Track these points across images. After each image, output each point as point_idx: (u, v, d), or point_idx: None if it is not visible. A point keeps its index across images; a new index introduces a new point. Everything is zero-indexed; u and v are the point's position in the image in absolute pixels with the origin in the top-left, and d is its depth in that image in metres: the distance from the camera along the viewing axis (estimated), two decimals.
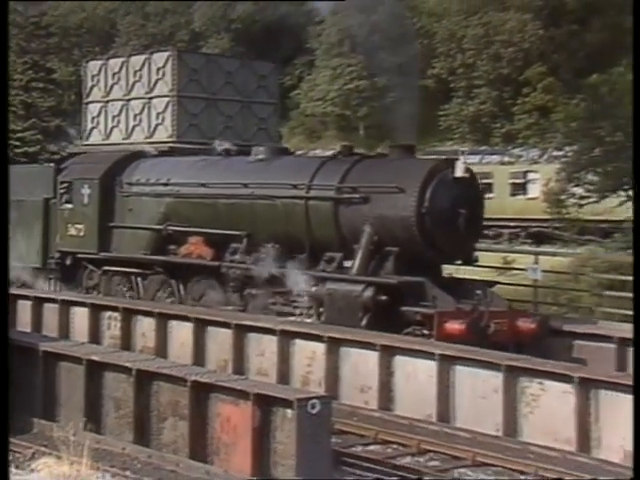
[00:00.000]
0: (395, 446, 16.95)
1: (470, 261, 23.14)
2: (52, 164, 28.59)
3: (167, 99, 32.55)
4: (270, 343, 20.52)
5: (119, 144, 32.88)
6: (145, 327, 22.56)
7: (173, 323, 22.19)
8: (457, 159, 21.32)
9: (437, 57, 33.31)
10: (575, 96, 30.39)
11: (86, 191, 26.38)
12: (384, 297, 20.51)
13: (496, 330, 20.15)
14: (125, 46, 52.85)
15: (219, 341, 21.31)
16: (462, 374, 18.21)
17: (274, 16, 51.14)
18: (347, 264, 22.38)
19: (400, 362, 19.00)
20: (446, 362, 18.31)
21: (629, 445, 15.94)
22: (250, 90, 33.72)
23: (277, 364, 20.28)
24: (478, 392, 17.93)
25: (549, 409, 17.11)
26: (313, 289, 21.82)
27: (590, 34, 31.91)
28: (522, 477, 14.09)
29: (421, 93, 34.26)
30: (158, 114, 32.62)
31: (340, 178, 22.46)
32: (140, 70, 33.22)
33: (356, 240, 21.82)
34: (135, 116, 33.34)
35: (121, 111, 33.92)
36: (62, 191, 27.34)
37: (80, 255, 26.90)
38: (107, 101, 34.00)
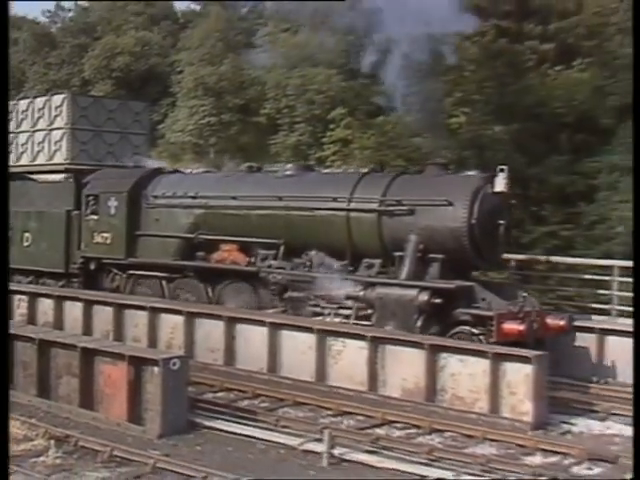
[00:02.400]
0: (236, 392, 17.03)
1: (500, 266, 21.38)
2: (71, 180, 26.19)
3: (63, 131, 32.61)
4: (142, 317, 20.37)
5: (27, 165, 32.66)
6: (46, 307, 22.25)
7: (67, 303, 21.91)
8: (497, 175, 19.05)
9: (267, 100, 33.37)
10: (367, 131, 30.84)
11: (113, 203, 23.80)
12: (438, 300, 18.12)
13: (536, 328, 18.04)
14: (32, 90, 51.62)
15: (103, 316, 21.02)
16: (286, 337, 18.34)
17: (146, 66, 50.67)
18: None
19: (240, 329, 19.05)
20: (274, 328, 18.41)
21: (406, 384, 16.56)
22: (127, 124, 33.79)
23: (147, 333, 20.14)
24: (298, 349, 18.08)
25: (349, 360, 17.36)
26: (361, 293, 19.17)
27: (377, 86, 32.48)
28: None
29: (256, 127, 34.38)
30: (56, 142, 32.73)
31: (382, 192, 19.95)
32: (42, 108, 33.16)
33: (397, 248, 19.35)
34: (39, 144, 33.29)
35: (28, 140, 33.71)
36: (88, 203, 24.46)
37: (106, 260, 24.19)
38: (18, 132, 33.80)
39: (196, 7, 54.64)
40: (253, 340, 18.80)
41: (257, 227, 21.58)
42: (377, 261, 19.84)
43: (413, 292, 18.23)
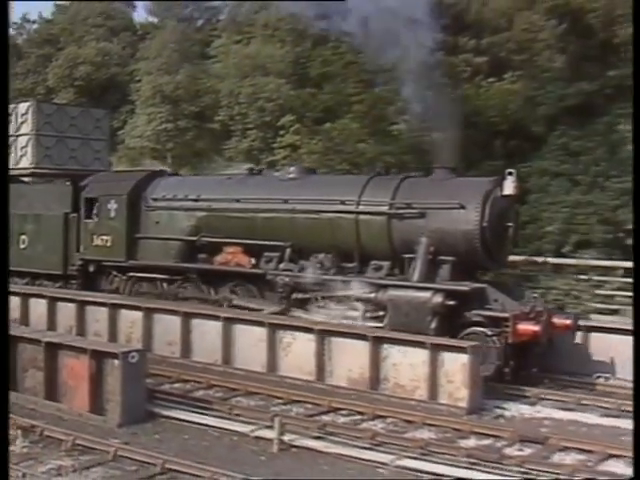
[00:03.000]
0: (192, 383, 16.95)
1: (506, 267, 20.51)
2: (68, 183, 24.88)
3: (28, 137, 32.23)
4: (103, 313, 20.25)
5: None
6: (13, 304, 21.90)
7: (33, 300, 21.71)
8: (506, 179, 18.37)
9: (221, 107, 33.30)
10: (315, 137, 30.94)
11: (113, 206, 22.69)
12: (452, 302, 17.35)
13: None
14: None
15: (67, 312, 20.87)
16: (239, 330, 18.35)
17: (106, 75, 50.29)
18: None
19: (196, 323, 19.02)
20: (228, 322, 18.41)
21: (351, 374, 16.64)
22: (89, 130, 33.53)
23: (108, 328, 20.03)
24: (250, 342, 18.08)
25: (298, 352, 17.42)
26: (372, 295, 18.33)
27: (324, 95, 32.58)
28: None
29: (211, 133, 34.29)
30: (22, 148, 32.33)
31: (392, 195, 19.04)
32: (9, 116, 32.73)
33: (406, 250, 18.52)
34: None
35: None
36: (87, 206, 23.41)
37: (106, 263, 23.08)
38: None
39: (154, 19, 54.21)
40: (208, 334, 18.74)
41: (262, 229, 20.68)
42: (385, 263, 19.02)
43: (427, 294, 17.50)
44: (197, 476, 11.34)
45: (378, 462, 12.27)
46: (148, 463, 11.81)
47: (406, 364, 16.08)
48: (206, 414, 14.44)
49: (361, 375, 16.50)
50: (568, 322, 17.95)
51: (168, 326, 19.34)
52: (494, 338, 16.99)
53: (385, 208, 18.96)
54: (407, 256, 18.50)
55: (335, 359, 16.99)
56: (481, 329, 17.18)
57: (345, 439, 13.27)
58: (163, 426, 13.99)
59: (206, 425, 13.93)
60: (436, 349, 15.75)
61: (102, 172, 27.29)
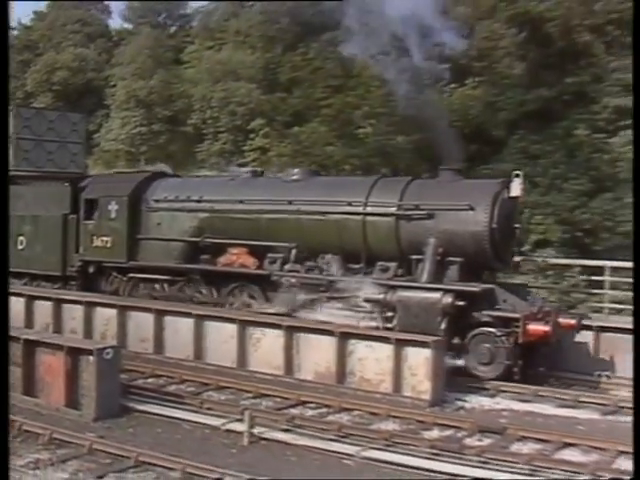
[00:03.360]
0: (165, 378, 16.90)
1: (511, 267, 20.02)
2: (67, 184, 24.00)
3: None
4: (79, 311, 20.12)
5: None
6: None
7: (12, 299, 21.61)
8: (513, 181, 18.04)
9: (194, 111, 33.25)
10: (284, 140, 30.99)
11: (114, 207, 22.01)
12: (462, 302, 16.90)
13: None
14: None
15: (43, 311, 20.73)
16: (210, 327, 18.32)
17: (83, 80, 50.09)
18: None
19: (169, 320, 18.96)
20: (200, 319, 18.39)
21: (319, 368, 16.66)
22: (66, 133, 33.28)
23: (83, 325, 19.91)
24: (221, 338, 18.07)
25: (267, 347, 17.43)
26: (381, 296, 17.72)
27: (294, 99, 32.62)
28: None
29: (183, 136, 34.24)
30: None
31: (399, 196, 18.51)
32: None
33: (414, 252, 18.05)
34: None
35: None
36: (87, 207, 22.70)
37: (107, 264, 22.37)
38: None
39: (129, 26, 54.01)
40: (180, 330, 18.70)
41: (266, 231, 20.08)
42: (392, 264, 18.41)
43: (437, 295, 17.01)
44: (170, 468, 11.33)
45: (344, 453, 12.29)
46: (122, 456, 11.78)
47: (372, 359, 16.13)
48: (178, 408, 14.42)
49: (328, 369, 16.53)
50: (573, 322, 17.69)
51: (142, 323, 19.24)
52: (503, 338, 16.79)
53: (393, 209, 18.49)
54: (414, 257, 18.10)
55: (303, 354, 17.01)
56: (490, 329, 16.94)
57: (312, 431, 13.29)
58: (137, 420, 13.96)
59: (178, 419, 13.89)
60: (400, 344, 15.80)
61: (101, 174, 26.73)
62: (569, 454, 12.62)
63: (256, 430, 12.98)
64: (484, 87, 31.51)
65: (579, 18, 33.35)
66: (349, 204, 18.96)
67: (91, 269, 22.83)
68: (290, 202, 19.78)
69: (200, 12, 43.06)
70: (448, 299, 16.87)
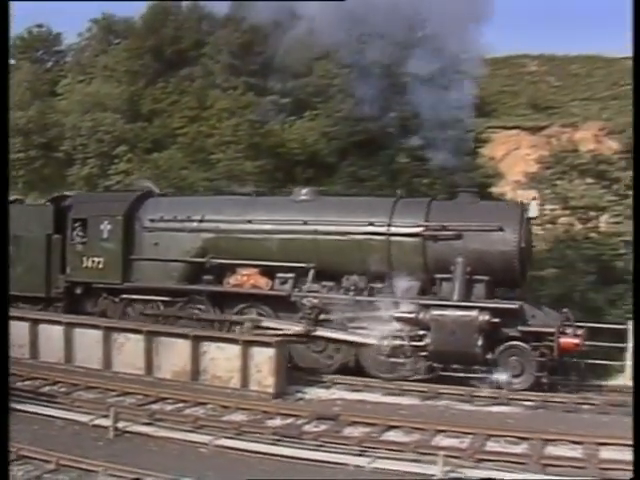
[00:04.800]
0: (40, 380, 16.49)
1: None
2: (49, 204, 21.19)
3: None
4: None
5: None
6: None
7: None
8: (531, 203, 17.36)
9: (66, 139, 32.61)
10: (144, 165, 30.73)
11: (106, 227, 19.54)
12: (497, 319, 15.96)
13: None
14: None
15: None
16: (79, 333, 17.95)
17: None
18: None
19: (42, 328, 18.45)
20: (69, 327, 18.00)
21: (176, 368, 16.64)
22: None
23: None
24: (88, 343, 17.75)
25: (130, 350, 17.25)
26: (413, 315, 16.44)
27: (154, 128, 32.42)
28: None
29: (56, 161, 33.46)
30: None
31: (424, 217, 17.30)
32: None
33: (439, 271, 16.90)
34: None
35: None
36: (75, 227, 20.15)
37: (99, 285, 19.80)
38: None
39: (12, 61, 52.24)
40: (53, 337, 18.23)
41: (278, 251, 18.16)
42: (414, 283, 17.07)
43: (473, 313, 15.96)
44: (46, 461, 11.23)
45: (199, 443, 12.36)
46: None
47: (222, 358, 16.25)
48: (52, 407, 14.20)
49: (184, 369, 16.55)
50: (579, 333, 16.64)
51: (19, 331, 18.51)
52: (534, 352, 16.04)
53: (419, 230, 17.25)
54: (439, 276, 17.02)
55: (162, 356, 16.92)
56: (520, 343, 16.14)
57: (171, 424, 13.30)
58: (16, 419, 13.56)
59: (52, 416, 13.70)
60: (247, 344, 15.94)
61: (83, 193, 23.61)
62: (394, 435, 12.98)
63: (120, 424, 12.90)
64: (319, 119, 32.05)
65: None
66: (371, 224, 17.58)
67: (78, 290, 20.32)
68: (305, 222, 18.11)
69: (73, 49, 42.04)
70: (485, 316, 15.97)
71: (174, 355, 16.76)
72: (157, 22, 36.55)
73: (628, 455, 11.03)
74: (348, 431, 13.16)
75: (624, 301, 23.89)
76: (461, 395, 15.91)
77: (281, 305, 18.02)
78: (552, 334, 15.97)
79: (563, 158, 33.69)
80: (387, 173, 30.08)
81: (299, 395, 15.92)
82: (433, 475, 10.78)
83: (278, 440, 12.45)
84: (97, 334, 17.62)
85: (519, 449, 12.21)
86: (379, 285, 17.47)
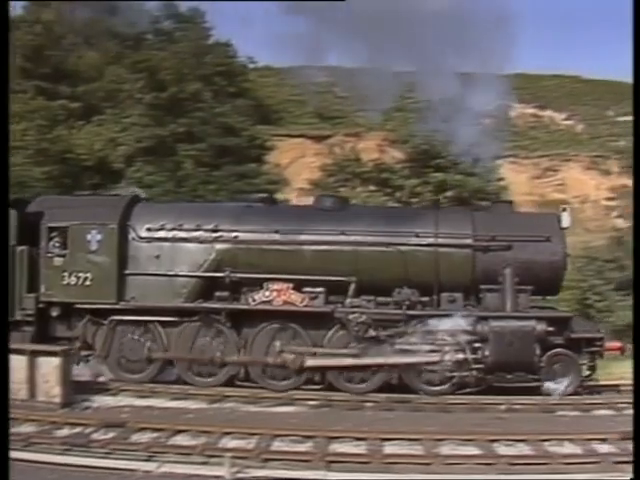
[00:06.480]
0: None
1: None
2: (11, 210, 16.05)
3: None
4: None
5: None
6: None
7: None
8: (563, 213, 17.10)
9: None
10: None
11: (95, 237, 16.75)
12: (552, 328, 15.92)
13: None
14: None
15: None
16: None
17: None
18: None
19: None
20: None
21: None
22: None
23: None
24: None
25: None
26: (471, 327, 15.99)
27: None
28: None
29: None
30: None
31: (472, 227, 16.81)
32: None
33: (486, 282, 16.46)
34: None
35: None
36: (51, 237, 17.09)
37: (86, 306, 16.94)
38: None
39: None
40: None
41: (312, 263, 16.62)
42: (458, 295, 16.66)
43: (531, 323, 15.95)
44: None
45: None
46: None
47: (12, 369, 15.80)
48: None
49: None
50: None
51: None
52: (579, 357, 16.37)
53: (469, 241, 16.80)
54: (484, 287, 16.68)
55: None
56: (566, 350, 16.28)
57: None
58: None
59: None
60: (33, 355, 15.53)
61: (53, 197, 19.65)
62: (181, 439, 13.10)
63: None
64: (107, 125, 31.88)
65: (188, 68, 34.66)
66: (417, 235, 16.81)
67: (54, 312, 17.27)
68: (342, 232, 16.85)
69: None
70: (543, 326, 16.00)
71: None
72: None
73: (411, 449, 12.23)
74: (136, 437, 13.17)
75: None
76: (246, 397, 16.33)
77: (311, 322, 16.71)
78: (601, 339, 16.54)
79: (346, 166, 35.53)
80: (173, 179, 30.45)
81: (87, 404, 15.74)
82: (221, 476, 11.08)
83: (67, 450, 12.37)
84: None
85: (304, 447, 12.68)
86: (426, 298, 16.82)
